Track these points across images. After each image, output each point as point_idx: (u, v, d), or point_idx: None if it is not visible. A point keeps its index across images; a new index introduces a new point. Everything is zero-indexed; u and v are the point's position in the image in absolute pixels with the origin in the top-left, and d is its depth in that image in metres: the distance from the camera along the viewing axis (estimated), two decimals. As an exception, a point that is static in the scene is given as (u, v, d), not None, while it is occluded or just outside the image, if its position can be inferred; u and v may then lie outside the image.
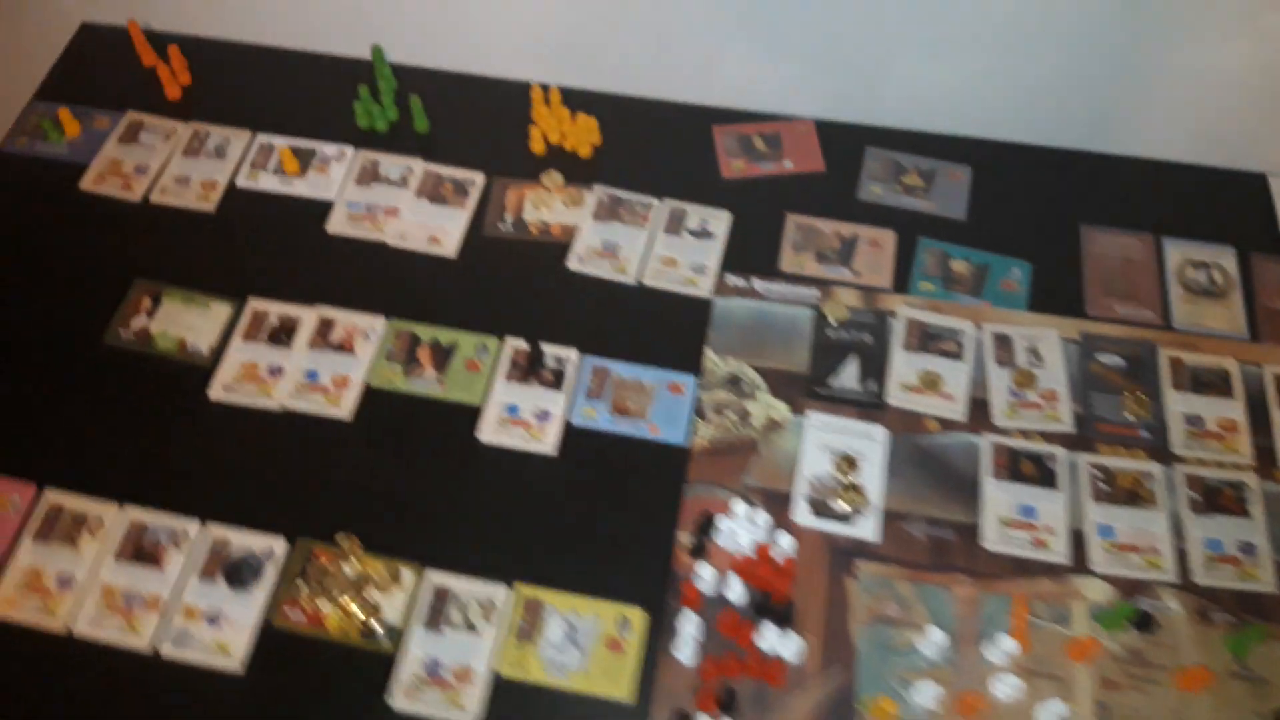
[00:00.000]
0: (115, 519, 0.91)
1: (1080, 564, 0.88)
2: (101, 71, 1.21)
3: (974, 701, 0.82)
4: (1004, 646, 0.83)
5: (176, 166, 1.12)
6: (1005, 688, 0.82)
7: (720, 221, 1.08)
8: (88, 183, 1.11)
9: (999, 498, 0.92)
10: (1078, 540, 0.89)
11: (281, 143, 1.14)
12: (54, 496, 0.92)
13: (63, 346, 1.01)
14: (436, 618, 0.86)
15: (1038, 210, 1.09)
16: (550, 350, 1.00)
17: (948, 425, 0.96)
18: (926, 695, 0.82)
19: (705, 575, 0.87)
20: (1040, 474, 0.93)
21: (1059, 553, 0.89)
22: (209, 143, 1.14)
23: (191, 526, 0.91)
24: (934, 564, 0.89)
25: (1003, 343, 1.00)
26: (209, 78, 1.20)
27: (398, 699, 0.82)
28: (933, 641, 0.84)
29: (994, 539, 0.90)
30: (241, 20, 1.23)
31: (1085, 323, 1.01)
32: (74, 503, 0.92)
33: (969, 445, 0.95)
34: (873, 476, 0.93)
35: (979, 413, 0.96)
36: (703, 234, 1.08)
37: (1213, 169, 1.12)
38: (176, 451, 0.95)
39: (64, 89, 1.20)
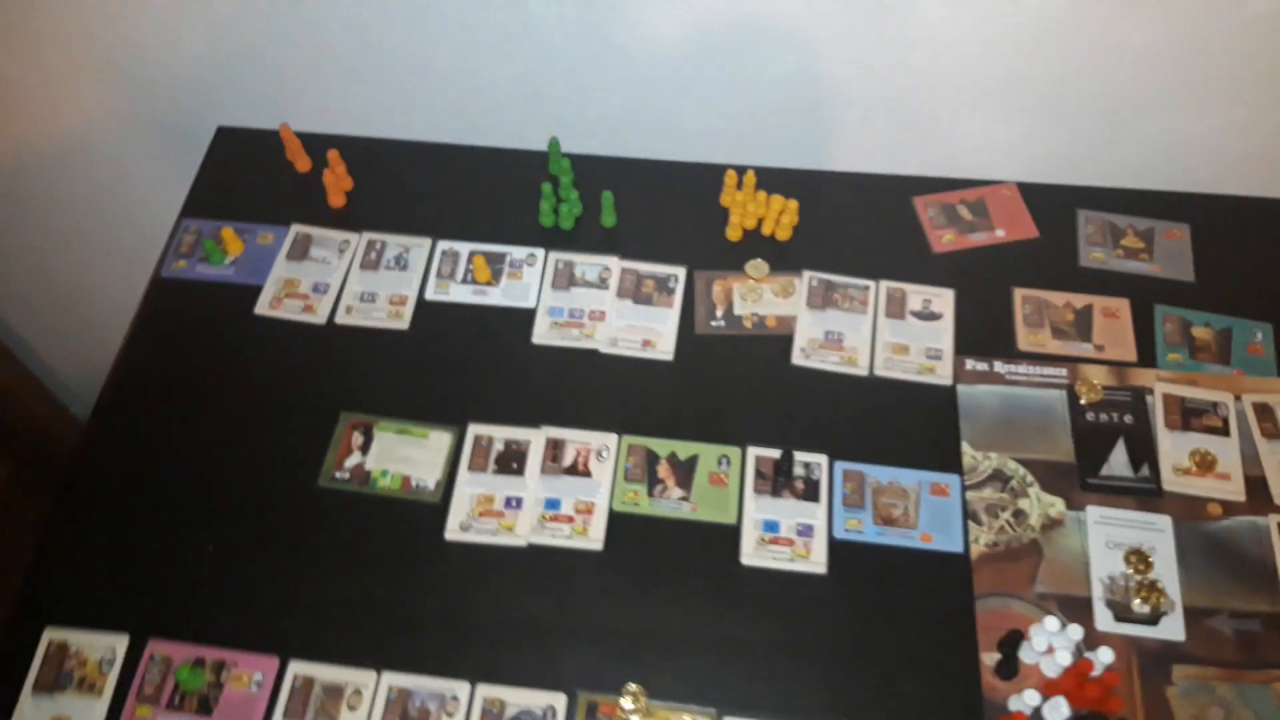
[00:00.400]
0: (375, 688, 0.85)
1: (1404, 650, 0.85)
2: (249, 180, 1.14)
3: (1334, 815, 0.78)
4: (1349, 750, 0.80)
5: (357, 282, 1.05)
6: (1359, 795, 0.78)
7: (944, 300, 1.03)
8: (264, 306, 1.04)
9: (1300, 584, 0.88)
10: (1394, 625, 0.86)
11: (464, 248, 1.07)
12: (301, 668, 0.85)
13: (276, 495, 0.93)
14: (748, 770, 0.81)
15: (1265, 265, 1.05)
16: (797, 456, 0.94)
17: (1229, 508, 0.92)
18: (1279, 810, 0.78)
19: (1026, 700, 0.82)
20: (1337, 554, 0.89)
21: (1376, 639, 0.85)
22: (387, 253, 1.07)
23: (460, 689, 0.84)
24: (1248, 661, 0.85)
25: (1266, 413, 0.96)
26: (371, 182, 1.12)
27: None
28: (1267, 748, 0.81)
29: (1305, 629, 0.86)
30: (396, 117, 1.16)
31: (1343, 385, 0.98)
32: (325, 673, 0.85)
33: (1256, 528, 0.91)
34: (1167, 571, 0.88)
35: (1257, 491, 0.92)
36: (928, 315, 1.03)
37: None
38: (421, 602, 0.88)
39: (211, 202, 1.12)
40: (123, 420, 0.99)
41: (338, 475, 0.94)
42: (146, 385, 1.00)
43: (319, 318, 1.03)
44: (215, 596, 0.89)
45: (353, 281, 1.05)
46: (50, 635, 0.87)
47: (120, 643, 0.87)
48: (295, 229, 1.09)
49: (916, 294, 1.04)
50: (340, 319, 1.03)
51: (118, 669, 0.86)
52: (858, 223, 1.09)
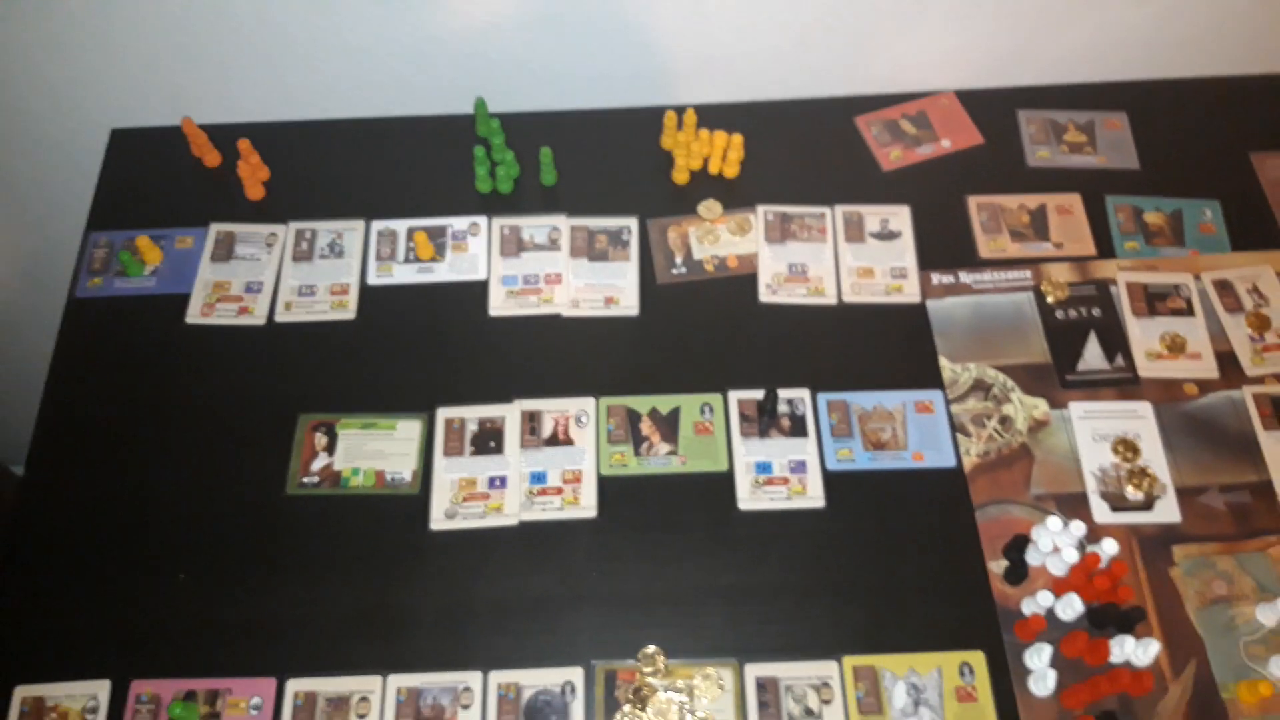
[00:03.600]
0: (381, 693, 0.81)
1: (1384, 499, 0.87)
2: (156, 182, 1.05)
3: (1341, 665, 0.80)
4: (1345, 601, 0.82)
5: (292, 276, 0.99)
6: (1361, 642, 0.81)
7: (901, 218, 1.02)
8: (195, 315, 0.97)
9: (1278, 450, 0.90)
10: (1370, 475, 0.89)
11: (402, 226, 1.01)
12: (300, 685, 0.81)
13: (243, 511, 0.88)
14: (774, 712, 0.79)
15: (1204, 144, 1.06)
16: (779, 394, 0.92)
17: (1204, 386, 0.93)
18: (1290, 668, 0.80)
19: (1040, 601, 0.82)
20: (1309, 416, 0.91)
21: (1355, 492, 0.88)
22: (319, 242, 1.00)
23: (472, 679, 0.81)
24: (1242, 532, 0.86)
25: (1225, 289, 0.97)
26: (290, 168, 1.05)
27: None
28: (1270, 610, 0.82)
29: (1289, 492, 0.88)
30: (305, 96, 1.08)
31: (1292, 251, 1.00)
32: (327, 686, 0.81)
33: (1232, 402, 0.92)
34: (1155, 455, 0.89)
35: (1228, 366, 0.94)
36: (887, 235, 1.01)
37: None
38: (416, 598, 0.84)
39: (118, 211, 1.03)
40: (62, 458, 0.91)
41: (305, 480, 0.89)
42: (80, 418, 0.93)
43: (258, 319, 0.97)
44: (196, 626, 0.83)
45: (287, 276, 0.99)
46: (23, 693, 0.81)
47: (101, 689, 0.81)
48: (215, 228, 1.01)
49: (873, 214, 1.02)
50: (281, 317, 0.97)
51: (103, 716, 0.80)
52: (804, 150, 1.07)
